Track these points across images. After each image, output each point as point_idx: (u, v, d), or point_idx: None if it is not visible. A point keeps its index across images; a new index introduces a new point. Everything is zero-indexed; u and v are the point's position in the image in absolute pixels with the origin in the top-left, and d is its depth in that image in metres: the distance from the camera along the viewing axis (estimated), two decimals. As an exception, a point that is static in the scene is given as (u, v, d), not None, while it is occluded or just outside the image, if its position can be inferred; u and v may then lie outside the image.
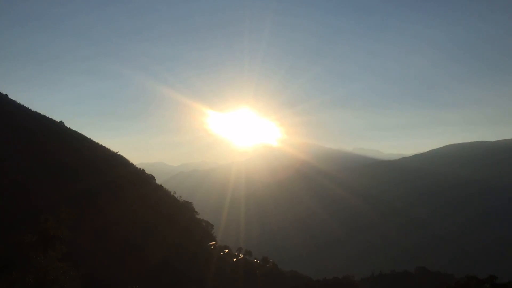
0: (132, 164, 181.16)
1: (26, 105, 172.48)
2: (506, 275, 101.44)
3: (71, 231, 32.46)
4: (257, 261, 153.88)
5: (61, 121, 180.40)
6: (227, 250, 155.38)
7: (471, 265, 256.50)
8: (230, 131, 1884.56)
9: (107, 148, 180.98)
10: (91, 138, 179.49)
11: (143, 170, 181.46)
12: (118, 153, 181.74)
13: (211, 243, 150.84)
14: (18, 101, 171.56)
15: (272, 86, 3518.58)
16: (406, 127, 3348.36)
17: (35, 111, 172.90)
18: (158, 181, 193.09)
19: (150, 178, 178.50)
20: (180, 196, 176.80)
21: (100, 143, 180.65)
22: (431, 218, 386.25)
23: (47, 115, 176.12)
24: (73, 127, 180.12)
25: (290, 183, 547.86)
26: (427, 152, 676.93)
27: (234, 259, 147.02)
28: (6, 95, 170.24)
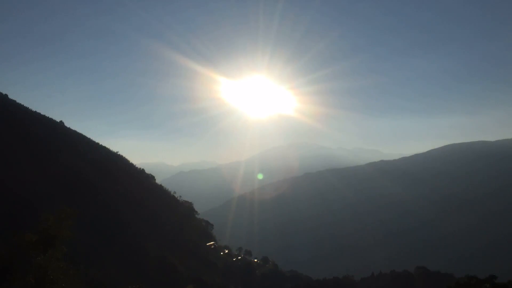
0: (132, 164, 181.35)
1: (26, 105, 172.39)
2: (506, 275, 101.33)
3: (71, 230, 32.50)
4: (257, 261, 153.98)
5: (61, 121, 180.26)
6: (226, 250, 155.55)
7: (471, 265, 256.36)
8: (244, 100, 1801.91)
9: (106, 148, 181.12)
10: (90, 138, 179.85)
11: (143, 169, 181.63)
12: (118, 153, 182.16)
13: (211, 243, 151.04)
14: (18, 101, 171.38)
15: (288, 53, 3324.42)
16: (406, 127, 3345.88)
17: (35, 111, 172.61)
18: (158, 181, 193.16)
19: (150, 178, 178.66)
20: (180, 196, 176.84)
21: (100, 143, 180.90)
22: (432, 217, 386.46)
23: (47, 115, 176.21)
24: (74, 125, 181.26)
25: (292, 183, 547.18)
26: (427, 152, 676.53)
27: (233, 259, 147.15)
28: (6, 95, 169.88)
